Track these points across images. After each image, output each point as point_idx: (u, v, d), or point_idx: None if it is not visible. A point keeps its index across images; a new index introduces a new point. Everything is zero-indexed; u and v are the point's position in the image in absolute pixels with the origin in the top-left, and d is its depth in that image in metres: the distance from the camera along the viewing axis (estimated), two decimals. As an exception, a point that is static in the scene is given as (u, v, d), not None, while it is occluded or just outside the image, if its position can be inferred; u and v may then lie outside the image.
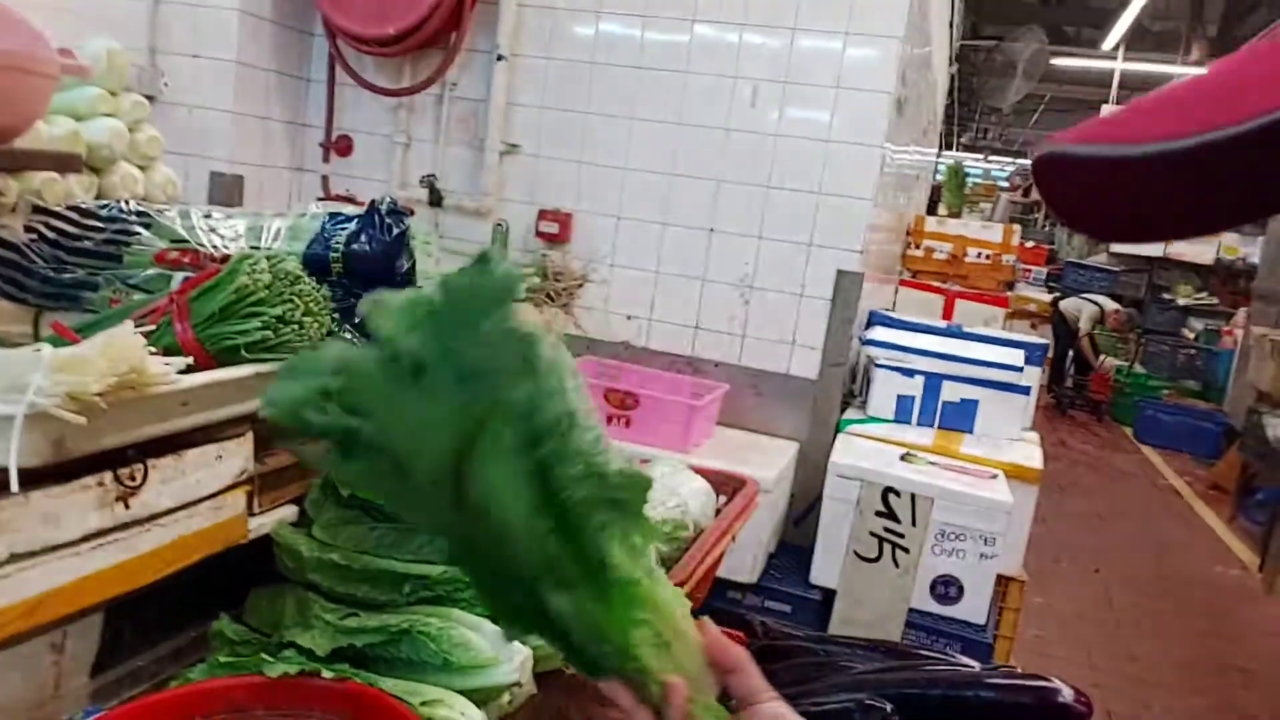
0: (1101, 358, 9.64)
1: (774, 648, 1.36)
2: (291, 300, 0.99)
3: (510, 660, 0.91)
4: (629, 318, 3.33)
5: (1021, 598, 3.34)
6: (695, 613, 1.59)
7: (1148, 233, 0.48)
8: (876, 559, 1.42)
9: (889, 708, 1.11)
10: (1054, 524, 5.48)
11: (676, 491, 1.31)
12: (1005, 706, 1.17)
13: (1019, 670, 1.23)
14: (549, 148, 3.29)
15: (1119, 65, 11.94)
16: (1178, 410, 8.59)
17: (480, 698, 0.92)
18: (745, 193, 3.21)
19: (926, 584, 2.88)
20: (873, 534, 1.42)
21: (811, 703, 1.12)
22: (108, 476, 0.89)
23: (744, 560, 2.80)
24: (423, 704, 0.88)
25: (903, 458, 3.07)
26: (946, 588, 2.86)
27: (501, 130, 3.27)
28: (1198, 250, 10.75)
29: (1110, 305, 9.18)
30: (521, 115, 3.29)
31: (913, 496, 1.42)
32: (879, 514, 1.42)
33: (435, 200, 3.33)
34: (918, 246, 5.97)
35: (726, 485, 1.46)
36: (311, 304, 1.03)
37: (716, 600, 1.57)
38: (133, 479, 0.90)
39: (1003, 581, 3.28)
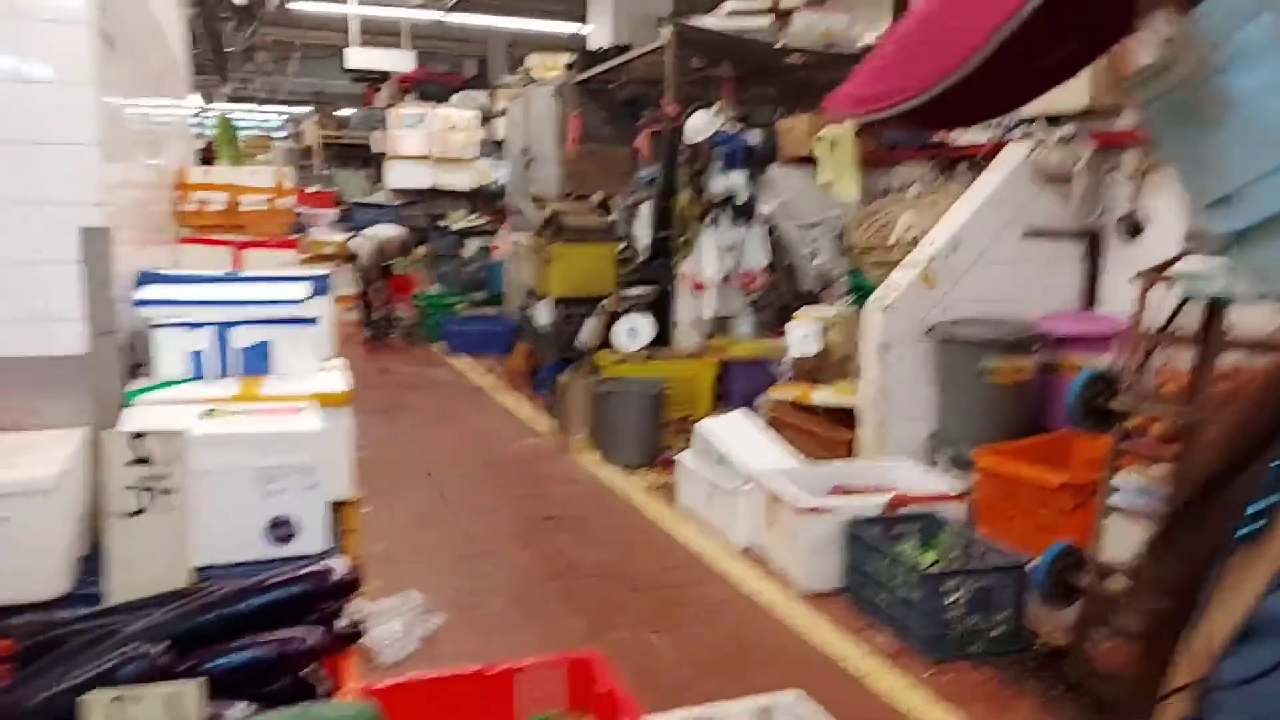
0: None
1: (41, 644, 1.16)
2: None
3: None
4: None
5: (358, 518, 3.47)
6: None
7: (984, 113, 0.56)
8: (141, 511, 1.30)
9: (159, 648, 1.04)
10: (386, 446, 5.80)
11: None
12: (284, 603, 1.19)
13: (300, 567, 1.25)
14: None
15: (355, 10, 12.54)
16: (473, 320, 9.69)
17: None
18: (-70, 149, 2.61)
19: (261, 531, 2.80)
20: (129, 486, 1.30)
21: (77, 674, 0.99)
22: None
23: (43, 575, 2.38)
24: None
25: (206, 413, 2.89)
26: (281, 529, 2.82)
27: None
28: (459, 179, 12.06)
29: (386, 234, 9.79)
30: None
31: (160, 434, 1.33)
32: (130, 463, 1.29)
33: None
34: (189, 200, 5.60)
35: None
36: None
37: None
38: None
39: (338, 508, 3.36)
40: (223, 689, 1.12)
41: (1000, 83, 0.47)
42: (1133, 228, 4.22)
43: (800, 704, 2.13)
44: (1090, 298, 4.56)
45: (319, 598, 1.20)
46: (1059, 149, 4.32)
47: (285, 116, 21.27)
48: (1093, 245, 4.51)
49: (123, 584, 1.30)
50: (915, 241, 4.64)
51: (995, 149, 4.64)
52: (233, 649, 1.16)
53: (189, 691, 1.01)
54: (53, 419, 2.90)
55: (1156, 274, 2.98)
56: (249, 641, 1.17)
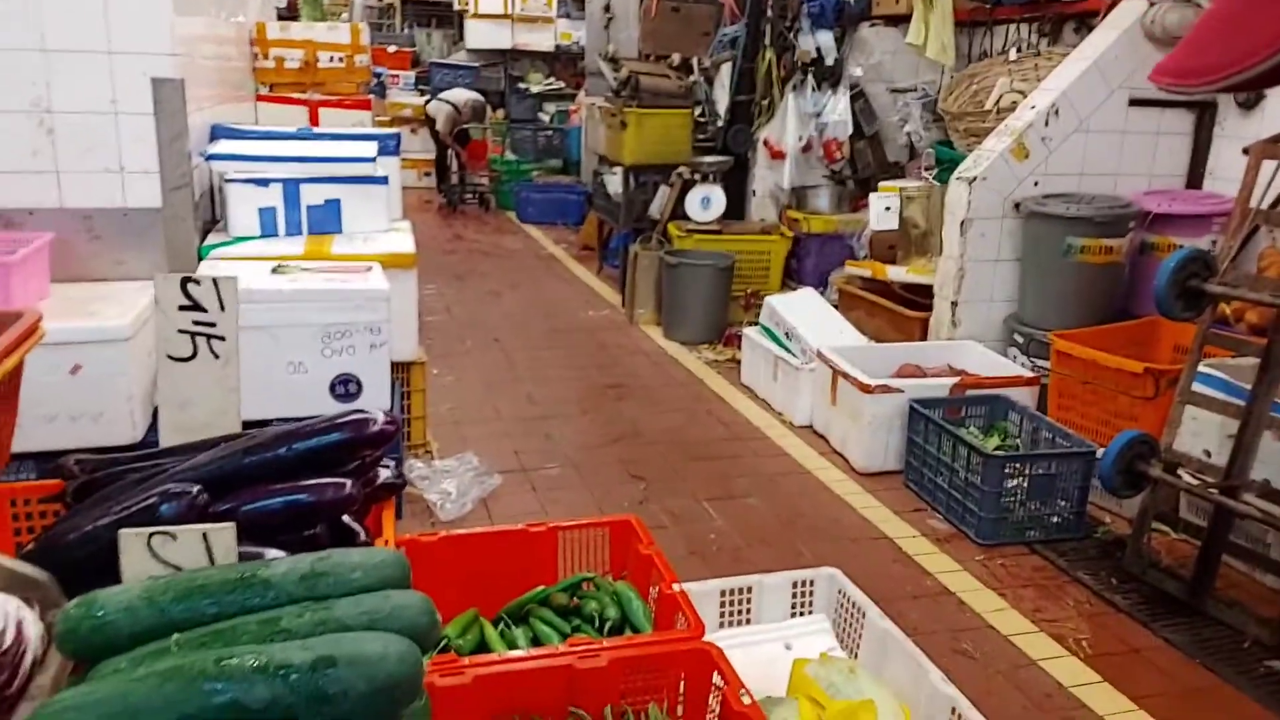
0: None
1: (94, 481, 1.22)
2: None
3: None
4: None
5: (424, 379, 3.54)
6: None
7: None
8: (192, 356, 1.32)
9: (195, 489, 1.07)
10: (457, 310, 5.88)
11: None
12: (325, 450, 1.21)
13: (340, 415, 1.26)
14: None
15: None
16: (547, 188, 9.60)
17: None
18: (4, -4, 2.64)
19: (326, 387, 2.89)
20: (182, 331, 1.32)
21: (118, 511, 1.03)
22: None
23: (116, 420, 2.51)
24: None
25: (274, 270, 2.95)
26: (345, 385, 2.90)
27: None
28: (539, 39, 11.72)
29: (463, 97, 9.60)
30: None
31: (214, 281, 1.33)
32: (183, 308, 1.31)
33: None
34: (266, 57, 5.57)
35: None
36: None
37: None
38: None
39: (404, 368, 3.44)
40: (260, 532, 1.16)
41: None
42: (1251, 98, 3.87)
43: (836, 580, 2.14)
44: (1198, 174, 4.25)
45: (358, 445, 1.22)
46: (1178, 6, 3.93)
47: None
48: (1205, 116, 4.17)
49: (174, 426, 1.35)
50: (1014, 107, 4.35)
51: (1110, 6, 4.26)
52: (271, 493, 1.19)
53: (222, 532, 1.04)
54: (134, 271, 3.00)
55: (1269, 145, 2.73)
56: (288, 486, 1.20)
